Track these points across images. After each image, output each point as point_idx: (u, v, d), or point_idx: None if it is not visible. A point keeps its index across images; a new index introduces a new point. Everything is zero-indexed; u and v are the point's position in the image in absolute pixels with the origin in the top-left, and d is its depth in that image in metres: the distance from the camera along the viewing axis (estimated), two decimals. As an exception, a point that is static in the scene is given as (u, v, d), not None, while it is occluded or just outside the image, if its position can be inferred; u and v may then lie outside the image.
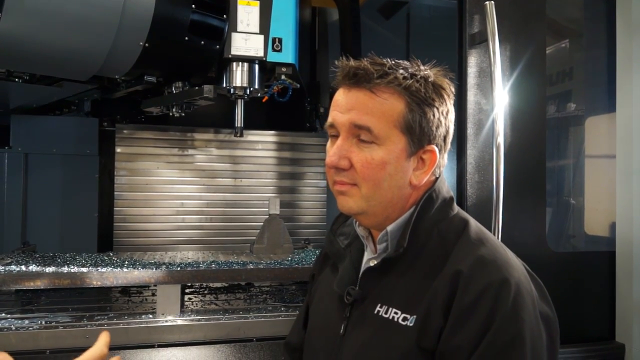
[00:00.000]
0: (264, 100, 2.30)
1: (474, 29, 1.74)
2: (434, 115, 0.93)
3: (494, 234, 1.61)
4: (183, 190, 2.67)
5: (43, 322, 1.62)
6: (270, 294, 2.07)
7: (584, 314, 1.91)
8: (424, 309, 0.88)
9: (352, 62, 0.94)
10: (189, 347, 1.62)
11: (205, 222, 2.69)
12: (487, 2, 1.69)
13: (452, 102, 0.98)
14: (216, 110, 2.55)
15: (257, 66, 2.16)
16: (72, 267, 1.76)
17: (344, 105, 0.93)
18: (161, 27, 1.90)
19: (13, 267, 1.73)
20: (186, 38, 1.99)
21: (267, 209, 2.31)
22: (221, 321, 1.67)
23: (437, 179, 1.00)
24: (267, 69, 2.22)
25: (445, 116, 0.96)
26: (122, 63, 1.93)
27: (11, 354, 1.53)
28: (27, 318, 1.67)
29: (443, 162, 1.00)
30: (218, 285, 2.16)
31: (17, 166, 2.55)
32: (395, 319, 0.91)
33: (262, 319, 1.70)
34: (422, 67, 0.95)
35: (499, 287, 0.85)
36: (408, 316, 0.90)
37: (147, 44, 1.90)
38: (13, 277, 1.64)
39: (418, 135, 0.93)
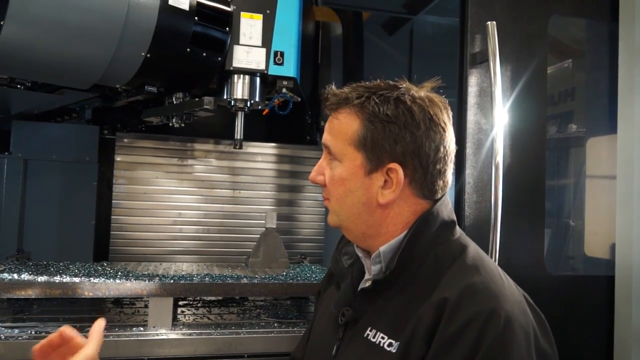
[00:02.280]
0: (264, 112, 2.30)
1: (475, 48, 1.74)
2: (390, 131, 0.93)
3: (491, 255, 1.59)
4: (181, 200, 2.67)
5: (33, 332, 1.61)
6: (264, 308, 2.05)
7: (581, 340, 1.88)
8: (408, 335, 0.87)
9: (330, 90, 1.01)
10: (180, 361, 1.60)
11: (202, 232, 2.68)
12: (489, 22, 1.69)
13: (433, 117, 0.96)
14: (216, 121, 2.55)
15: (258, 79, 2.17)
16: (65, 276, 1.75)
17: (325, 129, 1.02)
18: (163, 38, 1.90)
19: (5, 275, 1.72)
20: (188, 49, 2.00)
21: (264, 221, 2.29)
22: (212, 336, 1.65)
23: (437, 201, 0.99)
24: (269, 82, 2.23)
25: (410, 130, 0.93)
26: (123, 73, 1.94)
27: (-1, 364, 1.51)
28: (17, 327, 1.65)
29: (429, 183, 0.96)
30: (212, 298, 2.14)
31: (16, 172, 2.54)
32: (381, 344, 0.90)
33: (255, 335, 1.68)
34: (397, 88, 0.96)
35: (486, 318, 0.82)
36: (393, 342, 0.88)
37: (148, 55, 1.90)
38: (4, 285, 1.63)
39: (373, 151, 0.94)
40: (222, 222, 2.69)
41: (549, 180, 1.95)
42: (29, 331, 1.61)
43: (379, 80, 1.01)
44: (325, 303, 1.11)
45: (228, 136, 2.53)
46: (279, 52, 2.16)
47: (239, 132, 2.23)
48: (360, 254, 1.04)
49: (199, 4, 1.99)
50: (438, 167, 0.97)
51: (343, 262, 1.09)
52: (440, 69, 1.68)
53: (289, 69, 2.19)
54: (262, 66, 2.13)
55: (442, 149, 0.97)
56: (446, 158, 0.98)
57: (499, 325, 0.82)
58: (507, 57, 1.75)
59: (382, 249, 0.96)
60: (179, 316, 1.88)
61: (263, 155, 2.74)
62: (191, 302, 2.11)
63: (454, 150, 1.00)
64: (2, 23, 1.59)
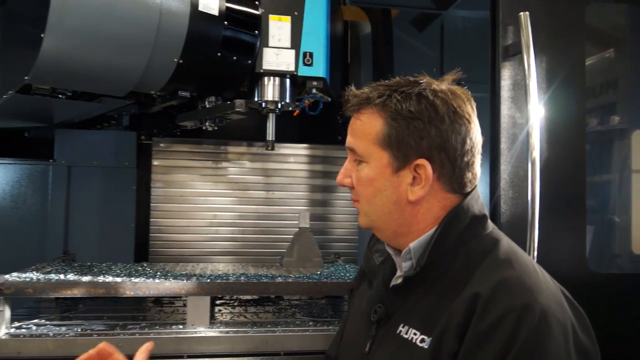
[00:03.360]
0: (295, 114, 2.32)
1: (507, 40, 1.70)
2: (415, 127, 0.92)
3: (529, 253, 1.56)
4: (216, 202, 2.71)
5: (79, 330, 1.67)
6: (300, 307, 2.07)
7: (627, 342, 1.81)
8: (440, 331, 0.86)
9: (350, 91, 1.01)
10: (217, 358, 1.63)
11: (237, 234, 2.72)
12: (522, 13, 1.65)
13: (456, 109, 0.95)
14: (249, 123, 2.59)
15: (288, 80, 2.19)
16: (107, 276, 1.81)
17: (348, 131, 1.02)
18: (194, 44, 1.95)
19: (52, 275, 1.80)
20: (219, 54, 2.04)
21: (298, 222, 2.31)
22: (249, 334, 1.67)
23: (467, 195, 0.97)
24: (299, 83, 2.25)
25: (435, 125, 0.93)
26: (157, 79, 1.99)
27: (47, 359, 1.58)
28: (65, 325, 1.73)
29: (457, 177, 0.96)
30: (248, 297, 2.17)
31: (61, 178, 2.65)
32: (414, 340, 0.89)
33: (290, 333, 1.69)
34: (418, 83, 0.95)
35: (521, 313, 0.80)
36: (425, 337, 0.88)
37: (181, 61, 1.95)
38: (52, 285, 1.70)
39: (399, 149, 0.94)
40: (257, 222, 2.73)
41: (591, 175, 1.89)
42: (75, 329, 1.68)
43: (398, 78, 0.99)
44: (358, 301, 1.12)
45: (261, 138, 2.56)
46: (308, 53, 2.18)
47: (270, 134, 2.25)
48: (391, 252, 1.04)
49: (228, 9, 2.03)
50: (466, 159, 0.96)
51: (375, 260, 1.09)
52: (473, 63, 1.65)
53: (318, 69, 2.20)
54: (292, 67, 2.15)
55: (468, 141, 0.96)
56: (473, 150, 0.97)
57: (534, 320, 0.80)
58: (542, 49, 1.70)
59: (412, 245, 0.96)
60: (216, 315, 1.92)
61: (295, 156, 2.76)
62: (228, 302, 2.15)
63: (481, 142, 0.99)
64: (42, 36, 1.66)
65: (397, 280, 0.98)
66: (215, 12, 2.02)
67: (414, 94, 0.94)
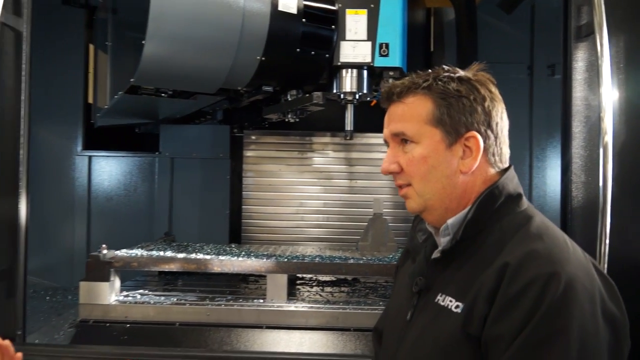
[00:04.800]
0: (372, 104, 2.39)
1: (580, 20, 1.64)
2: (463, 104, 0.99)
3: (600, 241, 1.50)
4: (302, 190, 2.87)
5: (175, 300, 1.91)
6: (373, 289, 2.16)
7: None
8: (472, 297, 0.92)
9: (387, 85, 1.08)
10: (293, 330, 1.78)
11: (322, 220, 2.86)
12: (597, -9, 1.59)
13: (490, 90, 1.02)
14: (332, 114, 2.70)
15: (365, 71, 2.26)
16: (199, 254, 2.04)
17: (386, 121, 1.06)
18: (275, 42, 2.08)
19: (154, 252, 2.06)
20: (298, 50, 2.16)
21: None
22: (321, 310, 1.80)
23: (502, 173, 1.02)
24: (376, 74, 2.30)
25: (479, 102, 1.00)
26: (242, 76, 2.17)
27: (148, 324, 1.84)
28: (164, 295, 1.98)
29: (499, 150, 1.02)
30: (326, 279, 2.30)
31: (165, 169, 2.98)
32: (449, 307, 0.96)
33: (360, 311, 1.80)
34: (455, 70, 1.03)
35: (546, 280, 0.84)
36: (460, 304, 0.94)
37: (263, 58, 2.10)
38: (152, 260, 1.96)
39: (451, 125, 0.99)
40: (341, 210, 2.84)
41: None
42: (172, 299, 1.92)
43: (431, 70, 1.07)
44: (402, 277, 1.19)
45: (343, 129, 2.67)
46: (384, 44, 2.23)
47: (349, 124, 2.34)
48: (431, 230, 1.10)
49: (306, 6, 2.14)
50: (504, 132, 1.03)
51: (418, 238, 1.15)
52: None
53: (395, 59, 2.24)
54: (368, 59, 2.21)
55: (503, 118, 1.03)
56: (506, 127, 1.04)
57: (559, 287, 0.84)
58: (617, 28, 1.61)
59: (449, 221, 1.02)
60: (295, 292, 2.07)
61: (377, 145, 2.83)
62: (307, 282, 2.30)
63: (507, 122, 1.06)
64: (143, 42, 1.90)
65: (436, 255, 1.04)
66: (294, 11, 2.14)
67: (456, 77, 1.01)
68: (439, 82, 1.01)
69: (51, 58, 2.81)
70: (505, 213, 0.99)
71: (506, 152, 1.04)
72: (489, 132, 1.00)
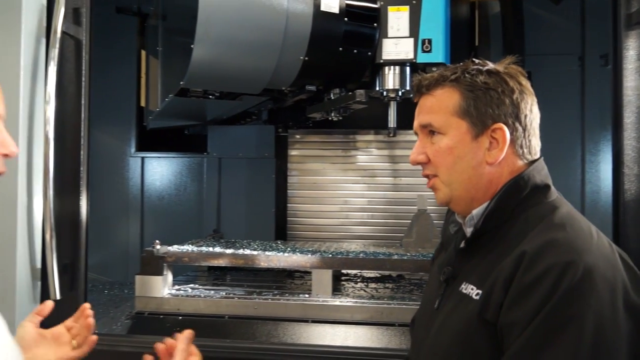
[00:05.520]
0: (415, 100, 2.38)
1: (630, 8, 1.58)
2: (491, 97, 1.01)
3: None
4: (346, 188, 2.89)
5: (224, 294, 1.98)
6: (418, 286, 2.16)
7: None
8: (490, 284, 0.93)
9: (417, 77, 1.11)
10: (338, 325, 1.81)
11: (367, 218, 2.87)
12: (651, -24, 1.53)
13: (520, 82, 1.03)
14: (376, 112, 2.71)
15: (408, 68, 2.26)
16: (246, 250, 2.10)
17: (416, 113, 1.10)
18: (318, 41, 2.12)
19: (203, 248, 2.14)
20: (340, 49, 2.18)
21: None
22: (366, 305, 1.82)
23: (530, 164, 1.02)
24: (419, 70, 2.30)
25: (508, 95, 1.01)
26: (286, 76, 2.22)
27: (199, 316, 1.91)
28: (213, 289, 2.06)
29: (527, 142, 1.02)
30: (371, 275, 2.32)
31: (213, 168, 3.08)
32: (470, 294, 0.98)
33: (405, 307, 1.81)
34: (485, 63, 1.05)
35: (563, 269, 0.85)
36: (480, 291, 0.96)
37: (306, 58, 2.14)
38: (202, 255, 2.04)
39: (477, 117, 1.02)
40: (385, 208, 2.84)
41: None
42: (222, 293, 1.99)
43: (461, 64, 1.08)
44: (435, 267, 1.21)
45: (386, 126, 2.67)
46: (426, 40, 2.22)
47: (392, 121, 2.34)
48: (460, 220, 1.11)
49: (348, 5, 2.17)
50: (533, 125, 1.04)
51: (450, 230, 1.17)
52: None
53: (438, 55, 2.22)
54: (411, 55, 2.21)
55: (533, 110, 1.04)
56: (536, 119, 1.05)
57: (576, 275, 0.84)
58: (672, 13, 1.55)
59: (474, 212, 1.04)
60: (339, 288, 2.10)
61: (421, 142, 2.80)
62: (351, 278, 2.32)
63: (538, 113, 1.06)
64: (192, 46, 1.97)
65: (462, 245, 1.06)
66: (336, 10, 2.17)
67: (484, 70, 1.03)
68: (467, 75, 1.03)
69: (107, 64, 2.95)
70: (531, 204, 1.00)
71: (535, 144, 1.05)
72: (516, 124, 1.02)
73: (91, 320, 1.18)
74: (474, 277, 0.99)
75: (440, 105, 1.05)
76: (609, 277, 0.87)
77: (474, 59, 1.08)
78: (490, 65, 1.05)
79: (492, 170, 1.02)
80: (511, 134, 1.01)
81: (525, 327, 0.85)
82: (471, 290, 0.98)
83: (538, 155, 1.06)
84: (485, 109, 1.01)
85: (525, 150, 1.03)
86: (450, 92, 1.04)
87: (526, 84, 1.04)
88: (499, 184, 1.02)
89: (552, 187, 1.03)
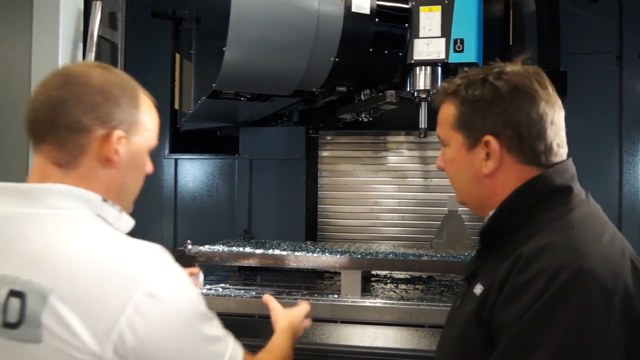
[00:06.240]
0: (441, 110, 2.35)
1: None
2: (479, 108, 1.02)
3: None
4: (377, 189, 2.88)
5: (254, 293, 2.00)
6: (449, 287, 2.13)
7: None
8: (489, 284, 0.95)
9: (440, 88, 1.15)
10: (366, 325, 1.80)
11: (397, 219, 2.85)
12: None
13: (517, 87, 1.00)
14: (407, 112, 2.68)
15: (439, 68, 2.24)
16: (276, 250, 2.12)
17: None
18: (349, 42, 2.11)
19: (234, 248, 2.17)
20: (371, 49, 2.18)
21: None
22: (395, 306, 1.81)
23: (551, 167, 1.00)
24: (451, 70, 2.27)
25: (498, 103, 1.01)
26: (317, 77, 2.22)
27: (229, 315, 1.93)
28: (244, 289, 2.08)
29: (531, 147, 1.00)
30: (401, 276, 2.30)
31: (245, 170, 3.12)
32: (476, 293, 0.99)
33: (434, 308, 1.78)
34: (488, 70, 1.03)
35: (555, 271, 0.84)
36: (483, 290, 0.97)
37: (337, 59, 2.14)
38: (233, 255, 2.08)
39: (469, 129, 1.04)
40: (416, 209, 2.82)
41: None
42: (252, 292, 2.01)
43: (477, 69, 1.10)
44: None
45: (417, 127, 2.65)
46: (458, 40, 2.19)
47: (423, 122, 2.32)
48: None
49: (379, 6, 2.16)
50: (533, 130, 1.00)
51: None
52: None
53: (470, 55, 2.19)
54: (442, 55, 2.18)
55: (534, 114, 1.00)
56: (542, 122, 1.00)
57: (567, 279, 0.83)
58: None
59: (490, 214, 1.03)
60: (369, 289, 2.09)
61: (452, 143, 2.77)
62: (381, 279, 2.31)
63: (553, 114, 1.01)
64: (224, 49, 2.00)
65: (479, 246, 1.09)
66: (367, 11, 2.17)
67: (480, 79, 1.03)
68: (464, 86, 1.05)
69: (142, 67, 3.02)
70: (548, 207, 0.98)
71: (545, 147, 1.01)
72: (510, 132, 1.01)
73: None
74: (482, 277, 1.02)
75: (442, 119, 1.11)
76: (606, 283, 0.84)
77: (490, 62, 1.09)
78: (496, 71, 1.03)
79: (493, 180, 1.03)
80: (506, 142, 1.01)
81: (513, 328, 0.86)
82: (478, 289, 1.00)
83: (561, 158, 1.03)
84: (474, 121, 1.03)
85: (531, 158, 1.01)
86: (449, 105, 1.08)
87: (529, 85, 1.01)
88: (506, 190, 1.02)
89: (576, 189, 1.01)
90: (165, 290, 0.84)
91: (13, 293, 0.81)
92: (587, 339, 0.82)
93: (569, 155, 1.05)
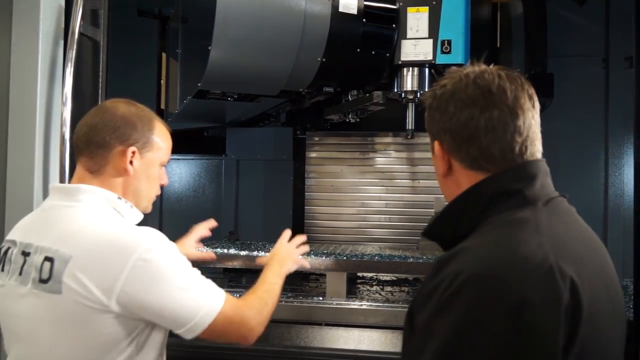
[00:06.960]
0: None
1: (656, 7, 1.54)
2: (431, 116, 1.06)
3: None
4: (364, 191, 2.87)
5: (238, 296, 1.96)
6: (435, 290, 2.12)
7: None
8: (416, 292, 1.00)
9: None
10: (351, 328, 1.79)
11: (385, 221, 2.84)
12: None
13: (453, 97, 0.99)
14: (394, 114, 2.68)
15: (426, 69, 2.23)
16: (261, 252, 2.09)
17: None
18: (336, 43, 2.10)
19: (218, 249, 2.14)
20: (358, 50, 2.17)
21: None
22: (380, 308, 1.80)
23: (502, 172, 0.96)
24: (438, 71, 2.27)
25: (440, 109, 1.02)
26: (303, 77, 2.21)
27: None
28: (228, 292, 2.02)
29: (469, 153, 0.97)
30: (387, 278, 2.29)
31: (231, 170, 3.09)
32: None
33: (420, 311, 1.77)
34: (450, 76, 1.04)
35: (453, 277, 0.84)
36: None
37: (324, 59, 2.13)
38: (217, 257, 2.04)
39: (430, 134, 1.08)
40: (403, 210, 2.82)
41: None
42: (236, 295, 1.97)
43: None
44: None
45: (405, 128, 2.64)
46: (446, 41, 2.19)
47: (410, 123, 2.32)
48: None
49: (366, 6, 2.15)
50: (464, 136, 0.98)
51: None
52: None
53: (457, 56, 2.19)
54: (430, 57, 2.18)
55: (464, 119, 0.98)
56: (474, 126, 0.96)
57: (458, 283, 0.83)
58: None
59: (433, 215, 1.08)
60: (354, 291, 2.08)
61: (440, 144, 2.77)
62: (367, 281, 2.30)
63: (499, 116, 0.95)
64: (209, 48, 1.98)
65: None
66: (354, 11, 2.15)
67: (436, 89, 1.05)
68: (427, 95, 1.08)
69: (128, 67, 2.99)
70: (494, 211, 0.94)
71: (478, 152, 0.97)
72: (448, 138, 1.01)
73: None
74: None
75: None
76: (499, 292, 0.81)
77: (464, 65, 1.09)
78: (452, 75, 1.04)
79: (451, 181, 1.04)
80: (447, 147, 1.01)
81: (417, 331, 0.90)
82: None
83: (518, 161, 0.96)
84: (429, 127, 1.07)
85: (473, 164, 0.98)
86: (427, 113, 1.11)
87: (480, 91, 0.96)
88: (459, 193, 1.01)
89: (529, 193, 0.94)
90: (153, 256, 1.13)
91: (47, 258, 1.13)
92: (467, 345, 0.81)
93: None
